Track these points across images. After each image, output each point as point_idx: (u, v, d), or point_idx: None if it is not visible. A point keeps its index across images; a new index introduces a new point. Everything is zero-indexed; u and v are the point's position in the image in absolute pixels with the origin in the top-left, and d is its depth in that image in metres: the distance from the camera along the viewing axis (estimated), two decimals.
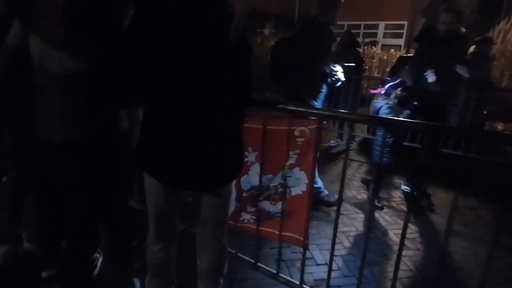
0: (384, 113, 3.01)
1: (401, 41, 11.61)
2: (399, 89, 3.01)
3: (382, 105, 3.06)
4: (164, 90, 1.15)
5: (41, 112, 1.41)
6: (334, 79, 2.87)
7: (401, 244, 1.50)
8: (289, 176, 1.62)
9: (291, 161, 1.60)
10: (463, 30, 3.16)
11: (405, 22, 11.32)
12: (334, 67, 2.89)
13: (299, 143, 1.54)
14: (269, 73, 3.06)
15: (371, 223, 2.88)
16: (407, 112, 3.02)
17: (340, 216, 2.93)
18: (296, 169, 1.61)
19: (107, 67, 1.22)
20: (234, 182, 1.42)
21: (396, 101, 2.99)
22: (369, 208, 1.60)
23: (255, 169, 1.66)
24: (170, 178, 1.25)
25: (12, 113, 1.67)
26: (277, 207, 1.69)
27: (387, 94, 3.07)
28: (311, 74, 2.77)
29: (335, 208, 2.92)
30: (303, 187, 1.61)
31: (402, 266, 2.29)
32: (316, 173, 2.99)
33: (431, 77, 2.93)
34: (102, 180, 1.53)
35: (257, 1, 13.76)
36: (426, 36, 3.11)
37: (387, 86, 3.11)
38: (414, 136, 4.51)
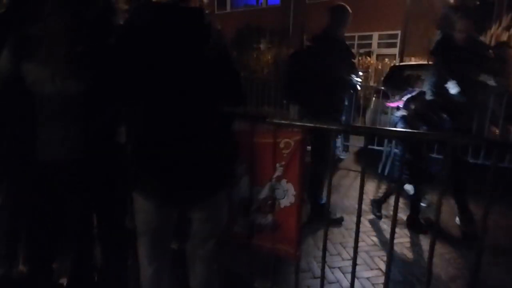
0: (399, 127, 2.89)
1: (395, 51, 11.76)
2: (412, 105, 2.88)
3: (398, 120, 2.95)
4: (154, 101, 1.18)
5: (41, 131, 1.43)
6: (356, 89, 2.89)
7: (390, 252, 1.49)
8: (277, 188, 1.63)
9: (278, 173, 1.61)
10: (481, 37, 3.03)
11: (398, 32, 11.49)
12: (354, 77, 2.92)
13: (284, 155, 1.55)
14: (283, 91, 3.00)
15: (374, 233, 2.86)
16: (424, 128, 2.83)
17: (338, 227, 2.94)
18: (284, 181, 1.62)
19: (104, 82, 1.25)
20: (225, 196, 1.42)
21: (412, 113, 2.85)
22: (358, 216, 1.59)
23: (244, 181, 1.67)
24: (161, 189, 1.25)
25: (10, 133, 1.68)
26: (267, 219, 1.69)
27: (405, 107, 2.94)
28: (337, 87, 2.80)
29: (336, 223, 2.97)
30: (291, 199, 1.61)
31: (399, 276, 2.27)
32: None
33: (453, 89, 2.73)
34: (102, 191, 1.55)
35: (251, 17, 14.07)
36: (443, 46, 2.91)
37: (405, 98, 2.98)
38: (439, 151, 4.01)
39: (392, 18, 11.49)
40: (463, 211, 2.91)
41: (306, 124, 1.44)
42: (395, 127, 2.95)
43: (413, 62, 7.24)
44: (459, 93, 2.72)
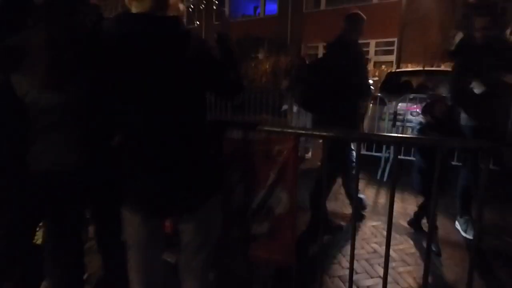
0: (415, 134, 2.83)
1: (392, 58, 11.83)
2: (431, 111, 2.72)
3: (416, 124, 2.91)
4: (137, 112, 1.17)
5: (37, 142, 1.41)
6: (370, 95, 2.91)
7: (387, 259, 1.47)
8: (271, 196, 1.62)
9: (271, 181, 1.60)
10: (507, 34, 2.80)
11: (395, 39, 11.59)
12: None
13: (277, 162, 1.55)
14: (300, 100, 3.01)
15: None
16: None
17: (336, 234, 2.91)
18: (278, 189, 1.61)
19: (88, 92, 1.26)
20: (216, 204, 1.41)
21: (429, 120, 2.72)
22: (354, 220, 1.58)
23: (238, 190, 1.66)
24: (147, 200, 1.24)
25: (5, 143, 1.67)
26: (263, 227, 1.67)
27: (424, 113, 2.83)
28: (356, 93, 2.83)
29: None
30: (286, 206, 1.60)
31: (400, 283, 2.24)
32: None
33: (478, 88, 2.53)
34: (101, 199, 1.54)
35: (249, 27, 14.20)
36: (462, 48, 2.76)
37: (424, 104, 2.88)
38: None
39: (388, 26, 11.60)
40: (463, 215, 2.88)
41: (297, 131, 1.44)
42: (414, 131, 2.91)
43: (409, 68, 7.30)
44: (485, 93, 2.53)
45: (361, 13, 2.95)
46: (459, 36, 2.90)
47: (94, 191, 1.51)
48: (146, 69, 1.13)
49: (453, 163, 3.51)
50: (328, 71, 2.75)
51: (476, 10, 2.67)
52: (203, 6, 13.09)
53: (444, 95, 2.93)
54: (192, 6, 12.55)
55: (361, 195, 3.25)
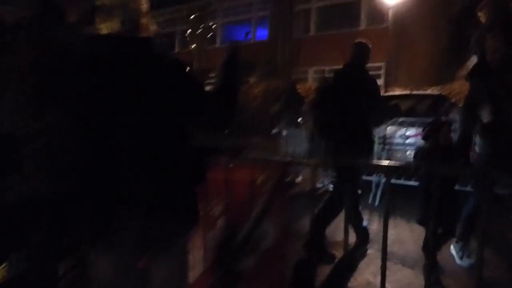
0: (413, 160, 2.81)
1: (380, 82, 12.07)
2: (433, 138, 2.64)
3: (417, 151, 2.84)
4: (106, 138, 1.13)
5: (15, 172, 1.30)
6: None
7: None
8: (257, 229, 1.52)
9: (257, 212, 1.50)
10: None
11: (382, 63, 11.85)
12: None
13: (263, 193, 1.46)
14: (316, 128, 3.05)
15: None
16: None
17: (329, 265, 2.78)
18: (265, 220, 1.51)
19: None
20: (194, 239, 1.31)
21: (432, 146, 2.63)
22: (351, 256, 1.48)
23: (220, 223, 1.56)
24: (116, 238, 1.15)
25: None
26: (249, 264, 1.55)
27: (425, 138, 2.75)
28: (372, 118, 2.88)
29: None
30: (274, 238, 1.50)
31: None
32: None
33: (485, 117, 2.40)
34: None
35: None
36: (477, 71, 2.57)
37: (426, 129, 2.78)
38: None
39: (376, 51, 11.88)
40: (460, 241, 2.79)
41: (283, 160, 1.37)
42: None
43: (397, 92, 7.50)
44: (493, 122, 2.37)
45: (367, 41, 3.11)
46: (473, 60, 2.67)
47: (77, 217, 1.37)
48: (119, 89, 1.10)
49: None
50: (341, 98, 2.79)
51: (489, 31, 2.51)
52: (200, 30, 13.37)
53: (447, 119, 2.88)
54: (190, 30, 12.80)
55: (365, 224, 3.22)
